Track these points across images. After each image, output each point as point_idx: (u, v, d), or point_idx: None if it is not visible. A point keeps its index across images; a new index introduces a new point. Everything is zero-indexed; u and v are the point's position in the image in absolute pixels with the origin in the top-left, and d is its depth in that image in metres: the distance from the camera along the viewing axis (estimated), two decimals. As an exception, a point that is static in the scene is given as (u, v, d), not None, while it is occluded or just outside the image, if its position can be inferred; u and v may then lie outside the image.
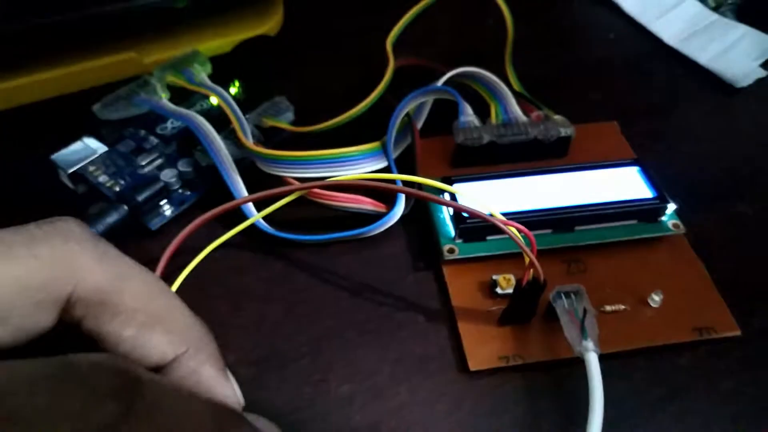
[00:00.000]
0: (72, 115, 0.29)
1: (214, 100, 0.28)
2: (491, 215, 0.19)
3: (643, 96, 0.32)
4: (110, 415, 0.11)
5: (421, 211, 0.26)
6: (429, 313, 0.23)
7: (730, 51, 0.32)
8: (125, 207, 0.24)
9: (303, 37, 0.34)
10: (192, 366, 0.15)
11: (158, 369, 0.15)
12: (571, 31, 0.36)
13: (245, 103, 0.28)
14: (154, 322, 0.15)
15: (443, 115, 0.28)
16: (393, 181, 0.23)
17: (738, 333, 0.22)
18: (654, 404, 0.21)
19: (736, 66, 0.31)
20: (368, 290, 0.24)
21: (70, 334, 0.15)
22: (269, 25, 0.33)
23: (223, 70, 0.30)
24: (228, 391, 0.16)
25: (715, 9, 0.35)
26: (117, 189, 0.25)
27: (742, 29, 0.33)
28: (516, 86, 0.30)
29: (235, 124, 0.25)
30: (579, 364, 0.20)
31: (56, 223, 0.14)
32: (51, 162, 0.26)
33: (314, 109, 0.28)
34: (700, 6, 0.35)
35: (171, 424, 0.12)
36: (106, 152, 0.26)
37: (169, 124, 0.28)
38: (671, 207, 0.24)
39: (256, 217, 0.23)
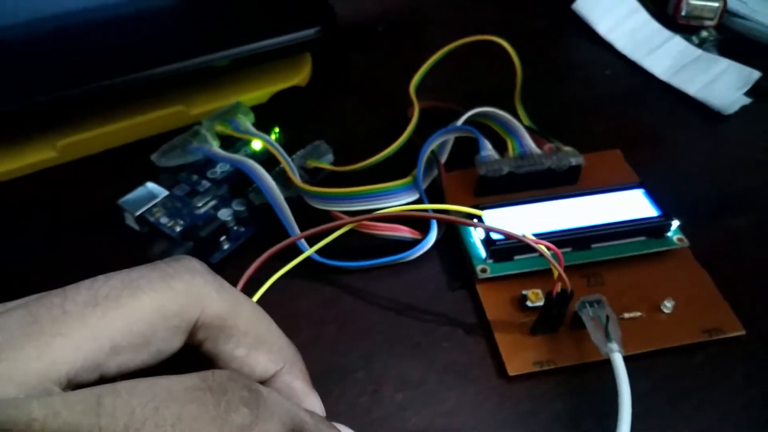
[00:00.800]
0: (130, 162, 0.32)
1: (256, 146, 0.32)
2: (523, 236, 0.22)
3: (641, 125, 0.35)
4: (246, 418, 0.14)
5: (451, 236, 0.28)
6: (467, 327, 0.26)
7: (715, 82, 0.36)
8: (191, 243, 0.27)
9: (330, 87, 0.38)
10: (287, 380, 0.18)
11: (260, 383, 0.18)
12: (570, 70, 0.39)
13: (284, 147, 0.31)
14: (259, 343, 0.17)
15: (462, 150, 0.31)
16: (429, 211, 0.26)
17: (743, 332, 0.25)
18: (675, 398, 0.23)
19: (722, 95, 0.35)
20: (411, 309, 0.26)
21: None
22: (300, 77, 0.36)
23: (261, 118, 0.33)
24: (315, 401, 0.19)
25: (699, 45, 0.39)
26: (178, 228, 0.28)
27: (725, 62, 0.36)
28: (526, 122, 0.34)
29: (285, 166, 0.28)
30: (604, 365, 0.23)
31: (182, 261, 0.16)
32: (116, 206, 0.29)
33: (347, 151, 0.31)
34: (685, 43, 0.38)
35: (285, 427, 0.15)
36: (166, 196, 0.29)
37: (218, 169, 0.31)
38: (675, 223, 0.27)
39: (311, 250, 0.26)
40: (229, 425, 0.14)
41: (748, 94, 0.35)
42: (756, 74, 0.35)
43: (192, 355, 0.16)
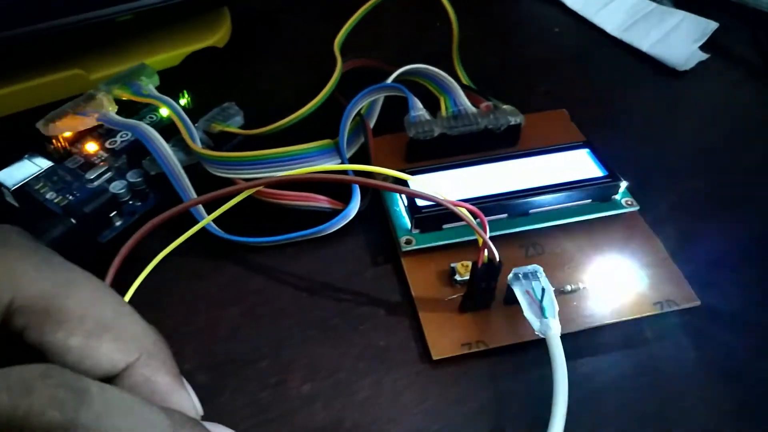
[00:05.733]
0: (17, 135, 0.28)
1: (164, 112, 0.28)
2: (443, 198, 0.19)
3: (591, 84, 0.32)
4: (53, 424, 0.11)
5: (378, 206, 0.25)
6: (390, 306, 0.23)
7: (670, 36, 0.33)
8: (72, 220, 0.23)
9: (252, 47, 0.34)
10: (145, 374, 0.15)
11: (110, 379, 0.14)
12: (517, 28, 0.37)
13: (196, 112, 0.27)
14: (102, 329, 0.14)
15: (395, 113, 0.28)
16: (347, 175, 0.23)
17: (698, 303, 0.22)
18: (623, 378, 0.21)
19: (677, 50, 0.32)
20: (328, 288, 0.23)
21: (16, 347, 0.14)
22: (217, 36, 0.33)
23: (172, 82, 0.30)
24: (184, 399, 0.15)
25: (654, -1, 0.36)
26: (64, 203, 0.24)
27: (680, 15, 0.34)
28: (465, 82, 0.31)
29: (182, 129, 0.25)
30: (543, 345, 0.20)
31: None
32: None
33: (267, 115, 0.28)
34: (639, -3, 0.36)
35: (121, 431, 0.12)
36: (51, 168, 0.26)
37: (118, 138, 0.28)
38: (623, 185, 0.25)
39: (206, 220, 0.22)
40: None
41: (706, 49, 0.33)
42: (713, 25, 0.32)
43: (19, 349, 0.13)
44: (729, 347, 0.21)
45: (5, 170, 0.25)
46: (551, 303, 0.20)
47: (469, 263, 0.23)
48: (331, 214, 0.24)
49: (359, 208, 0.25)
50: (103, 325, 0.14)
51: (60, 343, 0.14)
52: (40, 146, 0.27)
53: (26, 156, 0.26)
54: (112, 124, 0.26)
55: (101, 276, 0.18)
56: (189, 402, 0.16)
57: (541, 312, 0.20)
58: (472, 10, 0.31)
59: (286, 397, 0.20)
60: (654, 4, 0.35)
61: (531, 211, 0.24)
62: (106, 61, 0.31)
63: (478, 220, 0.19)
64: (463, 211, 0.19)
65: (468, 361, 0.21)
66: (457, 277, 0.22)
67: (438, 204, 0.22)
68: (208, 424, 0.16)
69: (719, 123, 0.30)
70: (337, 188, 0.25)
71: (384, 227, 0.25)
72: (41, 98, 0.29)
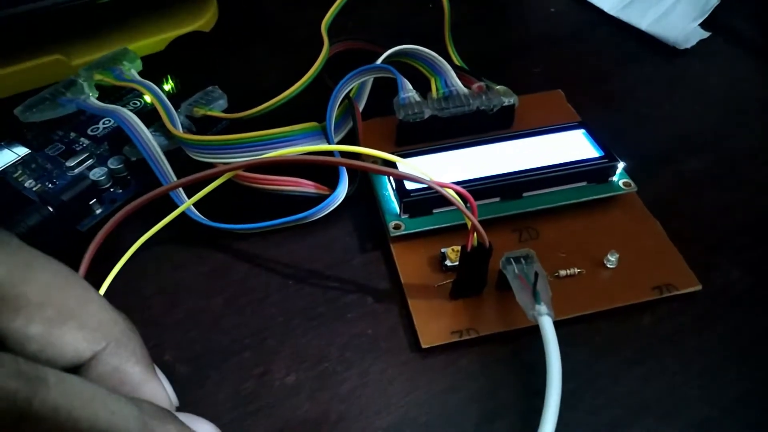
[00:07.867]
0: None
1: (148, 98, 0.27)
2: (430, 179, 0.18)
3: (588, 65, 0.31)
4: (1, 416, 0.10)
5: (366, 191, 0.25)
6: (379, 294, 0.22)
7: (669, 14, 0.32)
8: (48, 208, 0.22)
9: (240, 31, 0.33)
10: (114, 363, 0.14)
11: (77, 369, 0.14)
12: (512, 8, 0.35)
13: (182, 97, 0.27)
14: (65, 316, 0.13)
15: (386, 96, 0.27)
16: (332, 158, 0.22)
17: (699, 288, 0.21)
18: (618, 368, 0.20)
19: (676, 28, 0.31)
20: (314, 276, 0.22)
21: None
22: (203, 20, 0.32)
23: (156, 67, 0.29)
24: (156, 389, 0.15)
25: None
26: (41, 192, 0.24)
27: (679, -10, 0.33)
28: (457, 62, 0.30)
29: (162, 114, 0.24)
30: (536, 332, 0.19)
31: None
32: (-29, 170, 0.24)
33: (254, 100, 0.27)
34: (637, -26, 0.35)
35: (82, 426, 0.11)
36: (29, 156, 0.25)
37: (101, 125, 0.27)
38: (620, 165, 0.24)
39: (186, 204, 0.22)
40: None
41: (706, 27, 0.32)
42: (713, 1, 0.31)
43: None
44: (731, 333, 0.21)
45: (-20, 158, 0.24)
46: (544, 287, 0.19)
47: (459, 248, 0.22)
48: (317, 200, 0.24)
49: (347, 193, 0.24)
50: (66, 313, 0.13)
51: (19, 332, 0.13)
52: (18, 133, 0.26)
53: (3, 143, 0.25)
54: (91, 110, 0.25)
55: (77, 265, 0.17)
56: (162, 392, 0.15)
57: (534, 298, 0.19)
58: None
59: (269, 389, 0.19)
60: (653, -19, 0.34)
61: (525, 194, 0.23)
62: (88, 47, 0.30)
63: (468, 204, 0.18)
64: (450, 193, 0.18)
65: (458, 349, 0.20)
66: (447, 263, 0.22)
67: (427, 187, 0.21)
68: (183, 416, 0.15)
69: (719, 102, 0.29)
70: (323, 173, 0.24)
71: (373, 212, 0.24)
72: (20, 85, 0.28)
